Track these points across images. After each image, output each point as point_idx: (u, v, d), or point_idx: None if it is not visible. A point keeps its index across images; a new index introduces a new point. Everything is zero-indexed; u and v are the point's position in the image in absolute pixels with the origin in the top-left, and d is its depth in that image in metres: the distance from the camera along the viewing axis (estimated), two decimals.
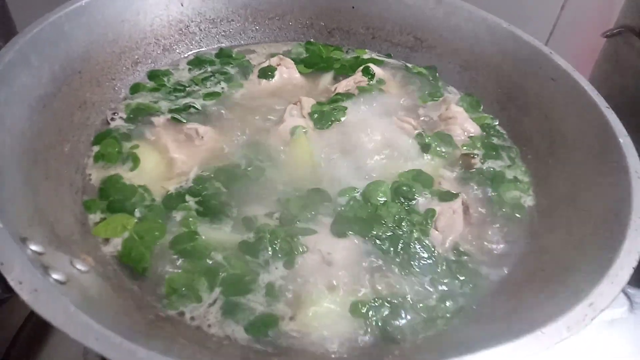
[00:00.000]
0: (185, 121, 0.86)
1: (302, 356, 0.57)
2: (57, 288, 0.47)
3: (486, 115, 1.00)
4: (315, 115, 0.90)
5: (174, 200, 0.73)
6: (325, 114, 0.90)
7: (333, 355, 0.58)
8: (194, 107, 0.89)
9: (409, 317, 0.63)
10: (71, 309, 0.44)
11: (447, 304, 0.65)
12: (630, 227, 0.60)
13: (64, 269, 0.52)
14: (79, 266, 0.55)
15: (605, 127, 0.77)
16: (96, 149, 0.79)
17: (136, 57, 0.95)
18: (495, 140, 0.94)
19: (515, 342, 0.48)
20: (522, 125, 0.95)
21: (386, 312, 0.63)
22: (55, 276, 0.49)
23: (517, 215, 0.80)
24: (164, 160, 0.79)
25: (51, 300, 0.44)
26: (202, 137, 0.83)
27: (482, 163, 0.88)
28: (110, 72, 0.89)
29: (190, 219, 0.70)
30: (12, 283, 0.45)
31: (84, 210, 0.70)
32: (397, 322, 0.62)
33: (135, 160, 0.77)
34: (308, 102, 0.91)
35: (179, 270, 0.63)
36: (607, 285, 0.54)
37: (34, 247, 0.51)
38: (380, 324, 0.62)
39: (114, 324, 0.46)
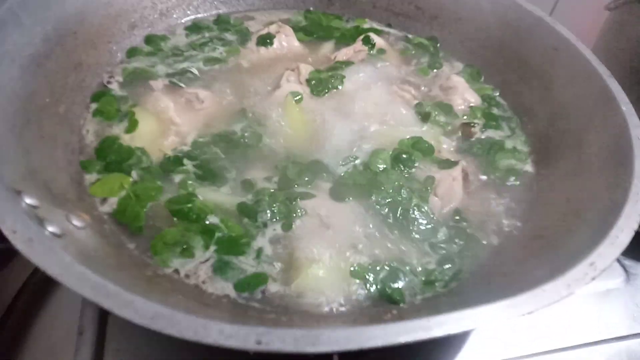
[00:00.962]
0: (183, 85, 0.84)
1: (300, 315, 0.57)
2: (53, 240, 0.47)
3: (487, 86, 0.99)
4: (313, 82, 0.88)
5: (171, 164, 0.72)
6: (323, 81, 0.89)
7: (331, 315, 0.57)
8: (190, 72, 0.88)
9: (407, 279, 0.63)
10: (67, 259, 0.43)
11: (446, 267, 0.65)
12: (631, 191, 0.60)
13: (59, 223, 0.51)
14: (75, 222, 0.55)
15: (607, 95, 0.76)
16: (94, 106, 0.78)
17: (132, 20, 0.93)
18: (495, 111, 0.93)
19: (514, 299, 0.47)
20: (523, 95, 0.93)
21: (385, 275, 0.63)
22: (50, 229, 0.48)
23: (516, 183, 0.80)
24: (162, 124, 0.78)
25: (46, 250, 0.43)
26: (203, 101, 0.82)
27: (482, 133, 0.88)
28: (107, 35, 0.87)
29: (189, 182, 0.69)
30: (6, 232, 0.44)
31: (80, 170, 0.69)
32: (396, 285, 0.62)
33: (133, 122, 0.76)
34: (306, 69, 0.90)
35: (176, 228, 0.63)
36: (607, 247, 0.53)
37: (28, 200, 0.50)
38: (379, 287, 0.61)
39: (110, 276, 0.46)
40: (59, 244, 0.46)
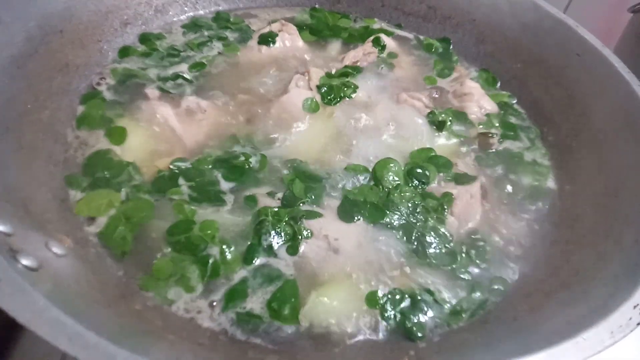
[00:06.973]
0: (174, 92, 0.78)
1: (305, 353, 0.51)
2: (26, 276, 0.41)
3: (503, 92, 0.93)
4: (324, 89, 0.82)
5: (166, 183, 0.65)
6: (334, 89, 0.82)
7: (340, 355, 0.52)
8: (182, 77, 0.81)
9: (429, 310, 0.57)
10: (40, 303, 0.37)
11: (471, 295, 0.59)
12: None
13: (36, 252, 0.46)
14: (55, 249, 0.49)
15: (637, 106, 0.70)
16: (82, 109, 0.72)
17: (125, 17, 0.86)
18: (513, 120, 0.87)
19: (552, 350, 0.42)
20: (543, 104, 0.88)
21: (405, 306, 0.57)
22: (25, 262, 0.42)
23: (538, 201, 0.74)
24: (157, 136, 0.71)
25: (16, 292, 0.37)
26: (205, 110, 0.75)
27: (500, 144, 0.82)
28: (97, 33, 0.81)
29: (186, 206, 0.63)
30: None
31: (64, 185, 0.62)
32: (417, 317, 0.56)
33: (118, 131, 0.69)
34: (317, 74, 0.83)
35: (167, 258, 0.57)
36: None
37: (1, 227, 0.44)
38: (398, 319, 0.56)
39: (93, 318, 0.40)
40: (32, 281, 0.40)
